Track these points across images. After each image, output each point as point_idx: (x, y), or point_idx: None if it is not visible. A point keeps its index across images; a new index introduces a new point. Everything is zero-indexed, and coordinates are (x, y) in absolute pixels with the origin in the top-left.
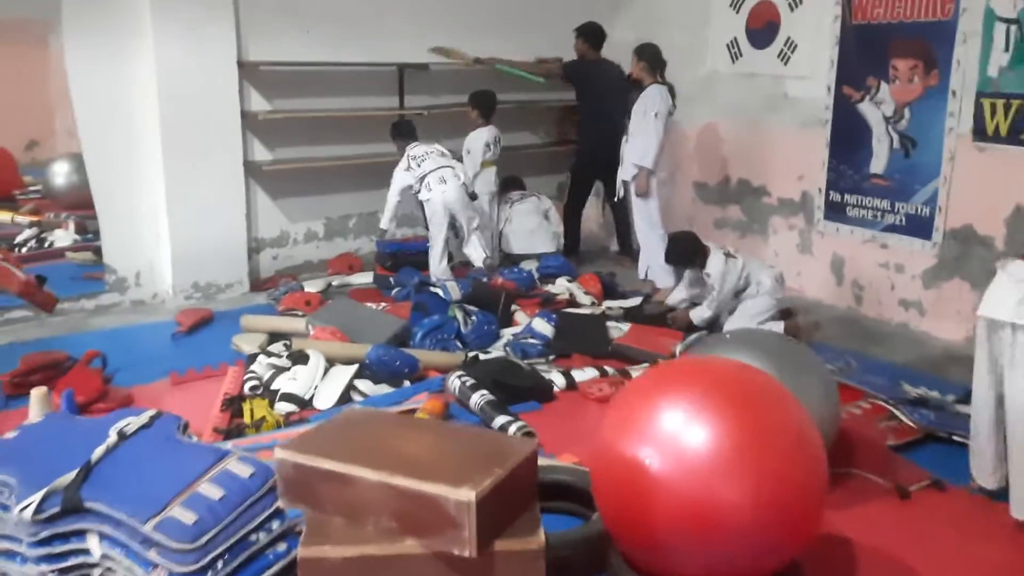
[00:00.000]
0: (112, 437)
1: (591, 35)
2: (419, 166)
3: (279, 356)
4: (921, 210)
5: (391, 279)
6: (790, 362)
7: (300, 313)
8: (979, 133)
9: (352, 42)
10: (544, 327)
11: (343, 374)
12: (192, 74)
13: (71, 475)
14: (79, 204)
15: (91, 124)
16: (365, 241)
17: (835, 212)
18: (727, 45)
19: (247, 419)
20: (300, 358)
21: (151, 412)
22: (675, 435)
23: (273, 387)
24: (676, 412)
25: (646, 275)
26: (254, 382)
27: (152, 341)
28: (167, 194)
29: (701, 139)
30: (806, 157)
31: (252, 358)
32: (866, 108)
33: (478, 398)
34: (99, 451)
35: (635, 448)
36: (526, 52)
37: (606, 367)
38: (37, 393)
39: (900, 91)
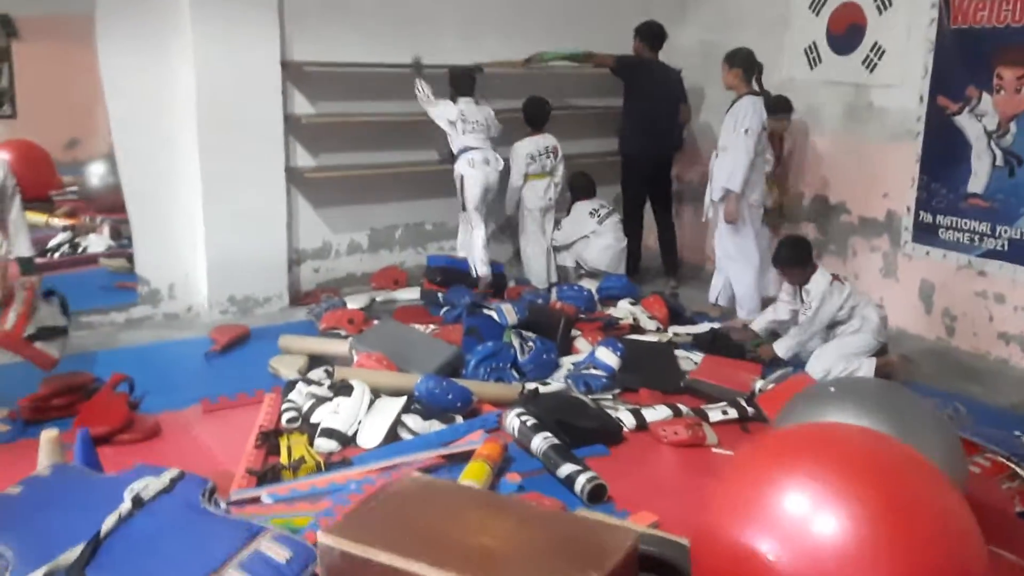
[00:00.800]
0: (126, 503)
1: (649, 35)
2: (463, 133)
3: (319, 384)
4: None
5: (439, 296)
6: (910, 418)
7: (343, 333)
8: None
9: (401, 43)
10: (609, 357)
11: (390, 408)
12: (233, 74)
13: (76, 550)
14: (115, 207)
15: (125, 126)
16: (411, 254)
17: (925, 234)
18: (805, 50)
19: (283, 458)
20: (343, 389)
21: (172, 473)
22: (801, 523)
23: (313, 419)
24: (801, 495)
25: (716, 300)
26: (292, 413)
27: (184, 360)
28: (204, 201)
29: None
30: (893, 173)
31: (291, 385)
32: (964, 121)
33: (541, 441)
34: (110, 521)
35: (752, 537)
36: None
37: (679, 405)
38: (47, 438)
39: (1006, 103)
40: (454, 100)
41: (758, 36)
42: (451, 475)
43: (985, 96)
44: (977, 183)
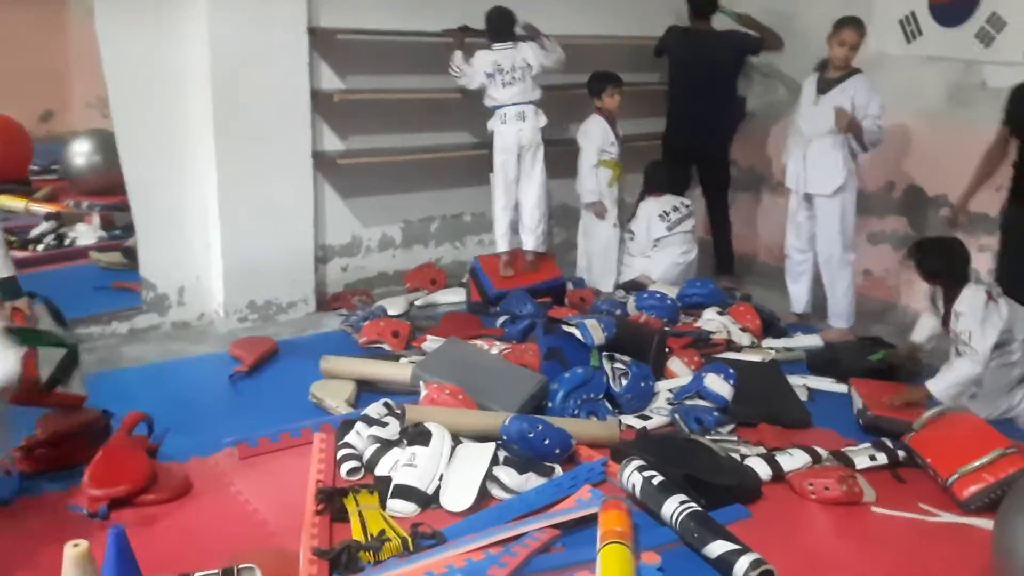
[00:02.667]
0: None
1: None
2: (502, 86)
3: (382, 424)
4: None
5: (490, 305)
6: None
7: (387, 347)
8: None
9: (445, 7)
10: (721, 386)
11: (476, 458)
12: (253, 43)
13: None
14: (102, 190)
15: (127, 104)
16: (448, 249)
17: None
18: (901, 21)
19: (356, 531)
20: (419, 436)
21: None
22: None
23: (379, 470)
24: None
25: (803, 309)
26: (352, 463)
27: (204, 384)
28: (220, 192)
29: None
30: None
31: (347, 426)
32: None
33: (676, 507)
34: None
35: None
36: (631, 23)
37: (817, 449)
38: (72, 557)
39: None
40: (489, 47)
41: (841, 5)
42: (572, 550)
43: None
44: None
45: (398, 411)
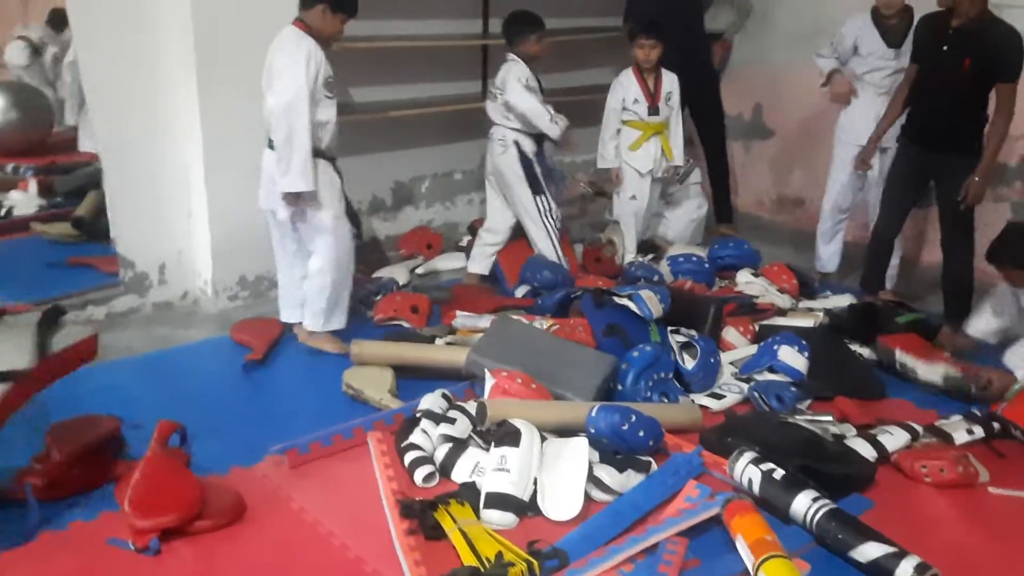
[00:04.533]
0: None
1: None
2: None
3: (449, 420)
4: None
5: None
6: None
7: (405, 324)
8: None
9: None
10: (796, 359)
11: (570, 457)
12: None
13: None
14: (25, 151)
15: (95, 54)
16: (440, 210)
17: None
18: None
19: (466, 556)
20: (508, 436)
21: None
22: None
23: (455, 475)
24: None
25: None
26: (427, 468)
27: (213, 377)
28: (205, 153)
29: None
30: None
31: (409, 424)
32: None
33: (807, 504)
34: None
35: None
36: None
37: (913, 425)
38: None
39: None
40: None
41: None
42: (709, 562)
43: None
44: None
45: (466, 405)
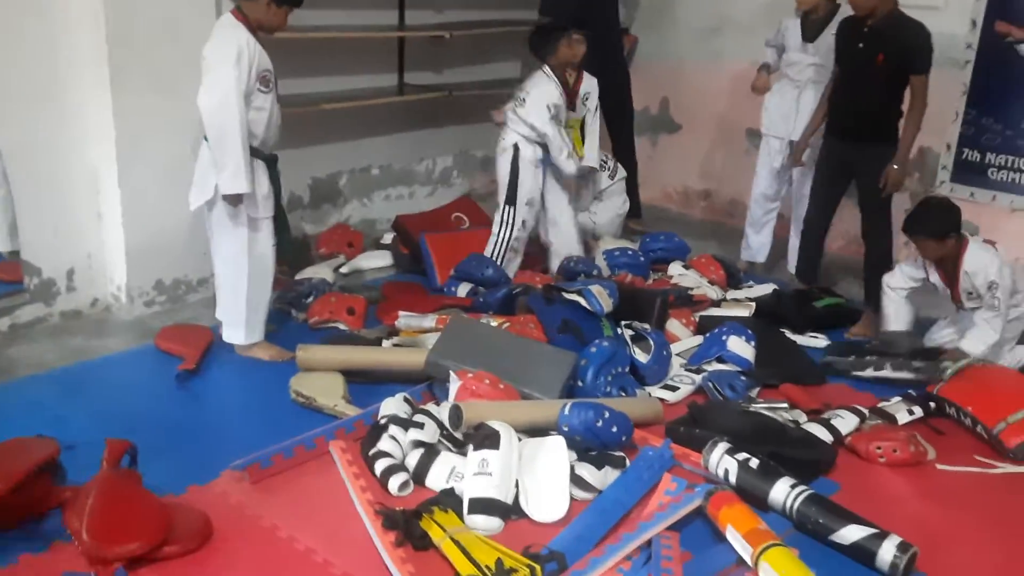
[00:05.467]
0: None
1: None
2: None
3: (418, 424)
4: None
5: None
6: None
7: (342, 327)
8: None
9: None
10: (744, 349)
11: (549, 457)
12: None
13: None
14: None
15: None
16: (357, 207)
17: (969, 173)
18: None
19: (459, 561)
20: (488, 439)
21: None
22: None
23: (429, 481)
24: None
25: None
26: (401, 476)
27: (145, 391)
28: (118, 152)
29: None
30: (929, 107)
31: (376, 431)
32: None
33: (787, 491)
34: None
35: None
36: None
37: (860, 408)
38: None
39: None
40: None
41: None
42: (702, 556)
43: None
44: None
45: (430, 408)
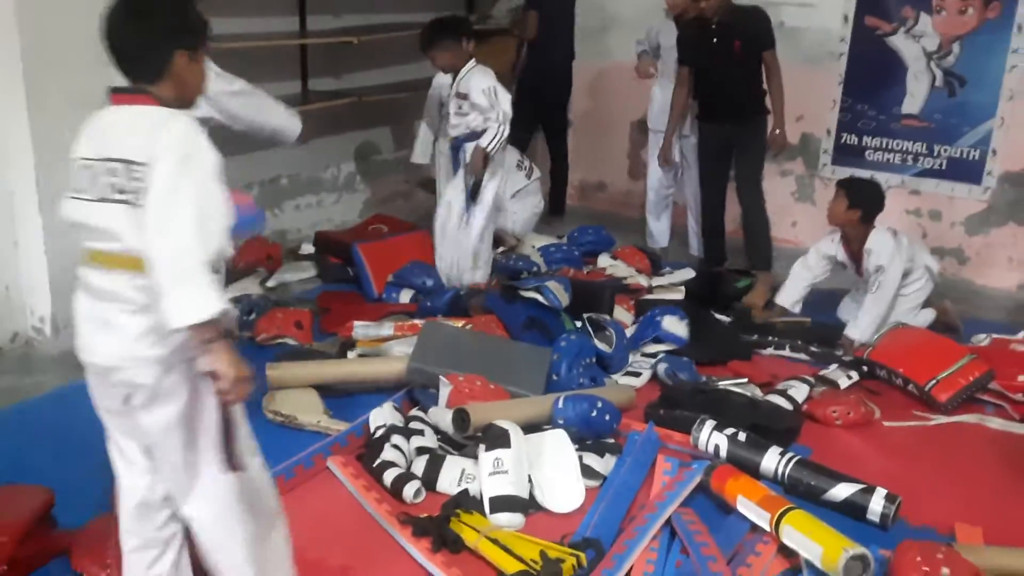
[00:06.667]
0: None
1: None
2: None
3: (418, 432)
4: (969, 153)
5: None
6: None
7: (291, 342)
8: None
9: None
10: (679, 327)
11: (555, 450)
12: None
13: None
14: None
15: None
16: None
17: (848, 156)
18: None
19: (501, 559)
20: (499, 438)
21: None
22: None
23: (440, 485)
24: None
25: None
26: (414, 484)
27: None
28: (38, 176)
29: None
30: (809, 96)
31: (378, 442)
32: (900, 42)
33: (777, 459)
34: None
35: None
36: None
37: (808, 378)
38: None
39: (947, 24)
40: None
41: None
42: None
43: (923, 16)
44: (913, 104)
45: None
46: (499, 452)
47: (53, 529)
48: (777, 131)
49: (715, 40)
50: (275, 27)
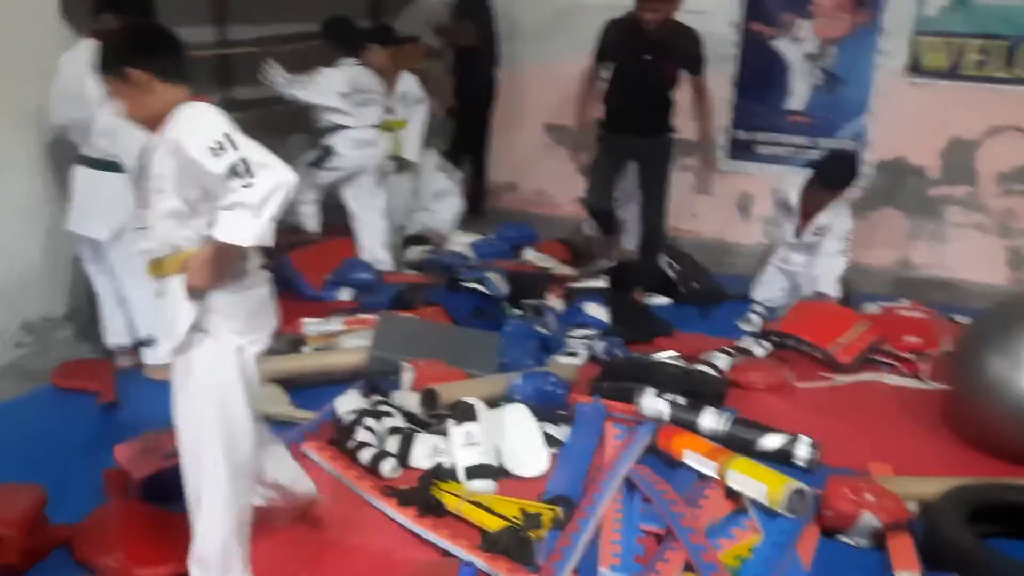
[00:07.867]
0: None
1: None
2: (356, 105)
3: (387, 413)
4: (847, 145)
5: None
6: None
7: None
8: (915, 70)
9: None
10: (599, 312)
11: (516, 422)
12: None
13: None
14: None
15: None
16: None
17: (742, 151)
18: None
19: (484, 519)
20: (466, 413)
21: None
22: None
23: (413, 460)
24: None
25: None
26: (390, 461)
27: (76, 429)
28: None
29: (554, 78)
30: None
31: (350, 426)
32: (783, 45)
33: (716, 416)
34: None
35: None
36: None
37: (728, 349)
38: None
39: (824, 28)
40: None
41: None
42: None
43: (803, 22)
44: (797, 101)
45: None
46: (469, 426)
47: (47, 525)
48: (708, 153)
49: (648, 57)
50: (191, 37)
